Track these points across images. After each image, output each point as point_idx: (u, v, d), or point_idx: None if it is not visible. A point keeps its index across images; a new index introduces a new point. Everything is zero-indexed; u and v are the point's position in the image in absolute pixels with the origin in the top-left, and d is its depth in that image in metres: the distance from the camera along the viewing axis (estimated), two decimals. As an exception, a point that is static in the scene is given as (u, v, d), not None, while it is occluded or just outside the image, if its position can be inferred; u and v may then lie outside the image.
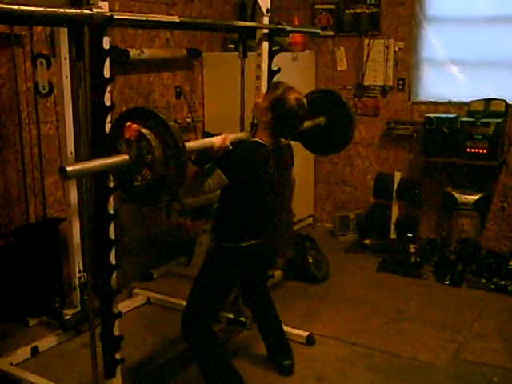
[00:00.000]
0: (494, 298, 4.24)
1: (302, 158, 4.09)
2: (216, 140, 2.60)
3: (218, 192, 2.86)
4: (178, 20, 2.76)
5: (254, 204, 2.82)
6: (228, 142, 2.62)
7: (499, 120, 4.65)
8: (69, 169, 1.99)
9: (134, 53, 4.28)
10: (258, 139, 2.81)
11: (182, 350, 3.41)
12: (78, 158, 3.37)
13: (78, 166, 2.07)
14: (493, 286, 4.35)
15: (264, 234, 2.87)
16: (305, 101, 2.80)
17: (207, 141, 2.61)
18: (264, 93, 2.94)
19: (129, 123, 2.18)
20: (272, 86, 2.95)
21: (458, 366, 3.36)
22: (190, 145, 2.41)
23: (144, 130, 2.16)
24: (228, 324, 3.78)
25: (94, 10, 2.24)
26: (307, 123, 3.19)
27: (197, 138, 4.92)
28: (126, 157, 2.18)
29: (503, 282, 4.35)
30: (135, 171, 2.19)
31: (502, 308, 4.08)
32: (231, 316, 3.79)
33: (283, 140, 2.88)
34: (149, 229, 4.80)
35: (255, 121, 3.04)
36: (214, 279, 2.84)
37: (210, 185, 2.64)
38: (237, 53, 3.54)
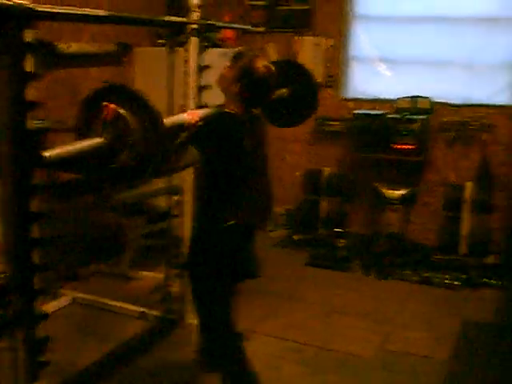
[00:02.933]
0: (419, 289, 4.40)
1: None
2: (185, 117, 2.56)
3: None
4: (104, 14, 2.70)
5: (233, 179, 2.71)
6: (197, 118, 2.57)
7: (424, 117, 4.80)
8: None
9: (60, 47, 4.15)
10: (227, 110, 2.69)
11: (109, 349, 3.36)
12: None
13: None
14: (418, 278, 4.50)
15: (245, 210, 2.76)
16: (273, 68, 2.70)
17: (180, 117, 2.58)
18: (228, 64, 2.77)
19: (106, 103, 2.11)
20: (236, 55, 2.78)
21: (383, 356, 3.46)
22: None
23: (122, 111, 2.11)
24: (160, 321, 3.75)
25: (15, 1, 2.15)
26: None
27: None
28: (101, 139, 2.14)
29: (427, 274, 4.51)
30: (112, 153, 2.14)
31: (427, 299, 4.24)
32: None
33: (254, 111, 2.77)
34: (78, 226, 4.68)
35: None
36: (214, 263, 2.72)
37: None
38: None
